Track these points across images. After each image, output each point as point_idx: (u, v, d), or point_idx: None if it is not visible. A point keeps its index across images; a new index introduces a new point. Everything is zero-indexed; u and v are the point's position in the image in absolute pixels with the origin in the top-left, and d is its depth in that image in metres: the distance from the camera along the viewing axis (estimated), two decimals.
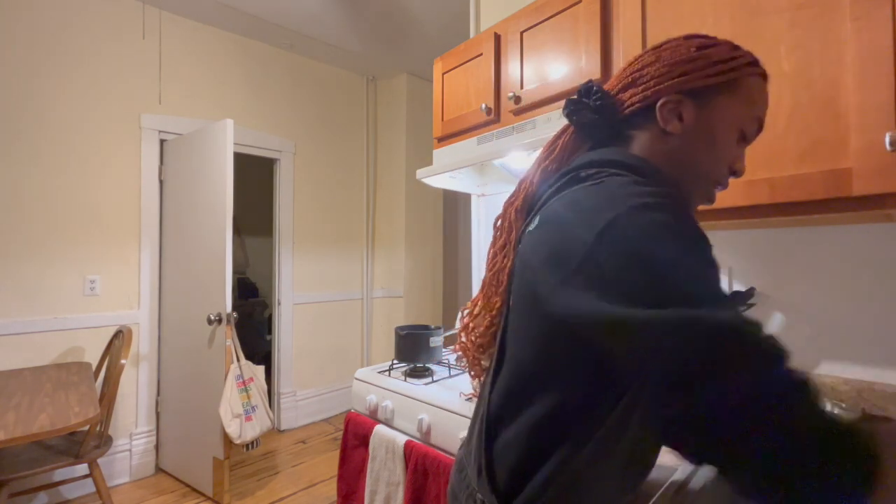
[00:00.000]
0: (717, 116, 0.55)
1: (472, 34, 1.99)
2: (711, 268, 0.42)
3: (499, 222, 0.66)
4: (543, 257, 0.50)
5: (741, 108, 0.55)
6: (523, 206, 0.62)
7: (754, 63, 0.56)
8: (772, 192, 0.89)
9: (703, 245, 0.43)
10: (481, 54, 1.52)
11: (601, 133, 0.61)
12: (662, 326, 0.37)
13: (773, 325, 1.21)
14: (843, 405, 1.00)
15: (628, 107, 0.58)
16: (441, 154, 1.64)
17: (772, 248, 1.21)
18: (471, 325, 0.68)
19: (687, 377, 0.36)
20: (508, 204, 0.64)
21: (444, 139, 1.68)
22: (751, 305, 1.17)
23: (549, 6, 1.33)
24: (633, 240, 0.42)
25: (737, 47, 0.57)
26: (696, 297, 0.39)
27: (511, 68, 1.43)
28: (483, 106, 1.46)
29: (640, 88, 0.57)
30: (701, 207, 0.99)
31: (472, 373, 0.73)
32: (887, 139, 0.75)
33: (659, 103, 0.56)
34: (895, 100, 0.75)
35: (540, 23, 1.35)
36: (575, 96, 0.61)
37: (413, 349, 1.53)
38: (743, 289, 1.22)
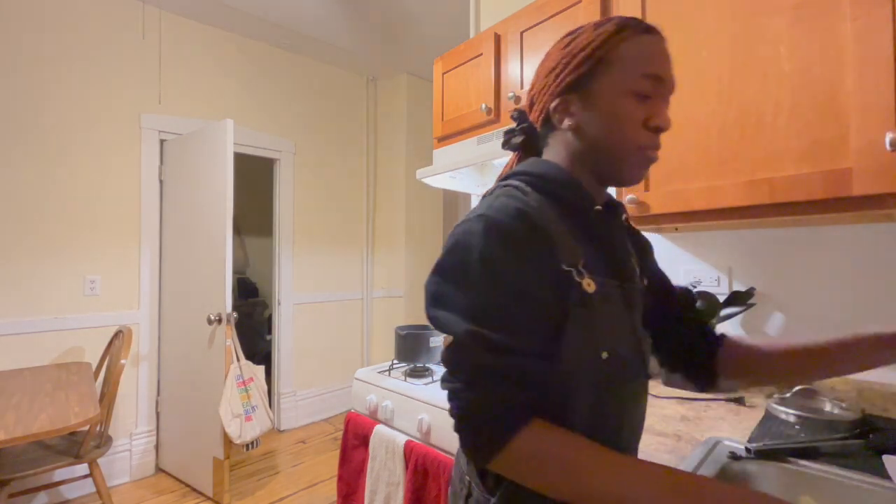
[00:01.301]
0: (600, 96, 0.58)
1: (472, 34, 1.99)
2: (482, 285, 0.52)
3: None
4: None
5: (620, 76, 0.57)
6: None
7: (622, 28, 0.58)
8: (772, 192, 0.89)
9: (491, 266, 0.52)
10: (481, 54, 1.52)
11: (532, 150, 0.69)
12: (438, 324, 0.54)
13: (774, 325, 1.21)
14: (844, 405, 1.00)
15: (537, 122, 0.65)
16: (441, 154, 1.64)
17: (772, 248, 1.21)
18: None
19: (444, 353, 0.54)
20: None
21: (445, 139, 1.68)
22: (751, 305, 1.17)
23: (549, 6, 1.33)
24: (449, 249, 0.55)
25: (599, 25, 0.59)
26: (457, 307, 0.52)
27: (511, 68, 1.43)
28: (483, 106, 1.46)
29: (536, 104, 0.64)
30: (701, 208, 0.99)
31: None
32: (887, 139, 0.75)
33: (550, 110, 0.62)
34: (895, 100, 0.75)
35: (540, 23, 1.35)
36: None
37: (413, 349, 1.53)
38: (743, 289, 1.22)
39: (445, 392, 0.53)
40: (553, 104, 0.61)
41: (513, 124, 0.71)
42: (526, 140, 0.68)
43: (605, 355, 0.55)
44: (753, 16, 0.93)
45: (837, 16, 0.82)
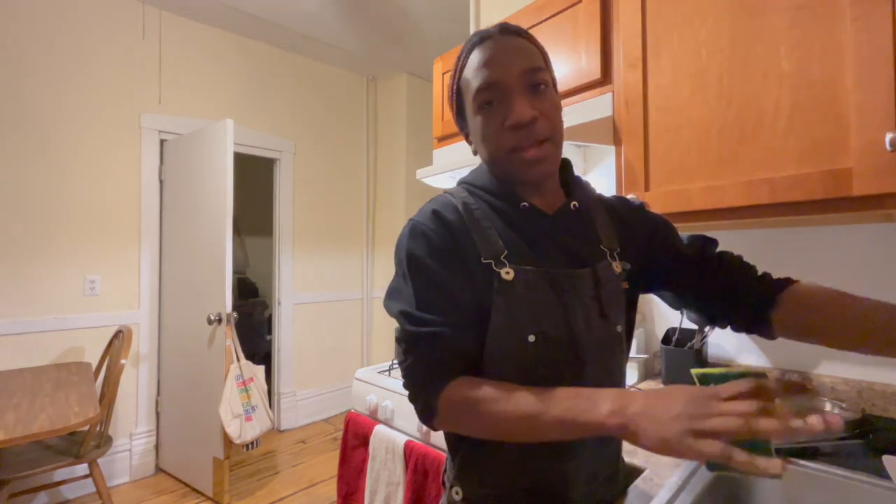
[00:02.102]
0: (468, 120, 0.68)
1: (471, 34, 1.99)
2: (409, 277, 0.61)
3: None
4: None
5: (469, 97, 0.65)
6: None
7: (464, 53, 0.66)
8: (772, 192, 0.89)
9: (413, 262, 0.61)
10: None
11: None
12: (387, 311, 0.64)
13: None
14: (843, 405, 1.00)
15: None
16: (441, 154, 1.64)
17: (772, 248, 1.21)
18: None
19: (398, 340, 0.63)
20: None
21: (445, 139, 1.68)
22: None
23: (549, 6, 1.33)
24: (395, 248, 0.66)
25: (461, 53, 0.67)
26: (397, 296, 0.63)
27: None
28: None
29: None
30: (701, 208, 0.99)
31: None
32: (887, 139, 0.75)
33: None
34: (895, 100, 0.75)
35: (540, 23, 1.35)
36: None
37: None
38: None
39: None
40: (463, 133, 0.73)
41: None
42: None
43: (531, 338, 0.59)
44: (753, 16, 0.93)
45: (837, 16, 0.82)
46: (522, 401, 0.53)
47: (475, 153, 0.71)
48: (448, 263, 0.61)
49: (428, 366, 0.59)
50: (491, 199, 0.67)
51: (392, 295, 0.64)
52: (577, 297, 0.63)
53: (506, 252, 0.62)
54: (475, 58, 0.63)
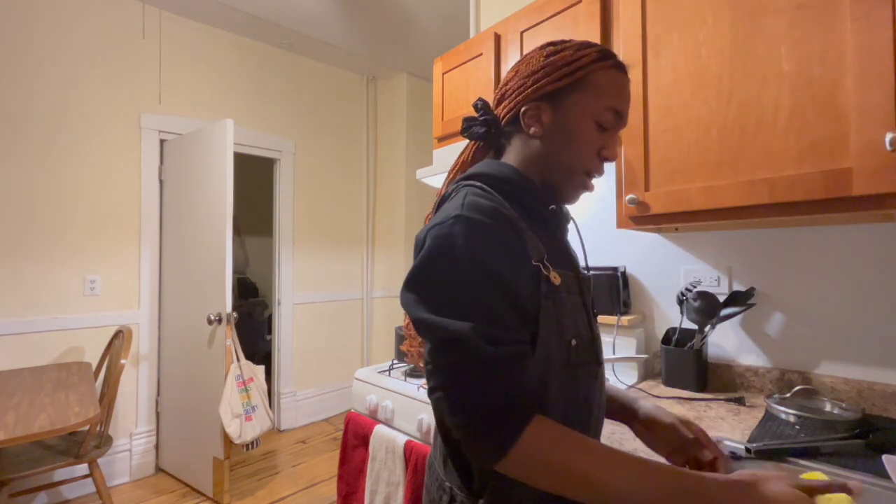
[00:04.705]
0: (570, 113, 0.61)
1: (472, 34, 1.99)
2: (476, 278, 0.52)
3: None
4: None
5: (592, 101, 0.61)
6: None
7: (603, 58, 0.61)
8: (772, 192, 0.89)
9: (480, 264, 0.52)
10: (481, 54, 1.52)
11: (492, 142, 0.70)
12: (427, 326, 0.53)
13: (774, 325, 1.21)
14: (843, 405, 1.00)
15: (503, 118, 0.67)
16: (441, 154, 1.64)
17: (772, 248, 1.21)
18: (411, 332, 0.73)
19: (431, 357, 0.54)
20: (427, 217, 0.73)
21: (445, 139, 1.68)
22: (751, 305, 1.17)
23: (549, 6, 1.33)
24: (430, 252, 0.54)
25: (584, 47, 0.62)
26: (448, 308, 0.52)
27: None
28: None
29: (507, 101, 0.66)
30: (701, 208, 0.99)
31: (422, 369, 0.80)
32: (887, 139, 0.75)
33: (521, 112, 0.64)
34: (895, 100, 0.75)
35: (540, 23, 1.35)
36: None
37: None
38: (743, 289, 1.22)
39: (437, 398, 0.52)
40: (525, 107, 0.63)
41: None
42: (486, 132, 0.68)
43: (573, 342, 0.58)
44: (753, 16, 0.93)
45: (837, 16, 0.82)
46: (619, 477, 0.47)
47: (533, 136, 0.63)
48: (517, 265, 0.55)
49: (507, 393, 0.50)
50: (521, 197, 0.62)
51: (434, 306, 0.53)
52: (587, 300, 0.66)
53: (546, 255, 0.59)
54: (618, 79, 0.62)
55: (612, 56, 0.62)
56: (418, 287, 0.55)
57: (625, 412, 0.74)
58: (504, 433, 0.48)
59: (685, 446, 0.66)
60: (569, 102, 0.61)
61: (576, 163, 0.62)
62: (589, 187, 0.65)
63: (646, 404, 0.73)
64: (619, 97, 0.62)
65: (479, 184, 0.61)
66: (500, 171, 0.63)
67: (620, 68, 0.63)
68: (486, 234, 0.53)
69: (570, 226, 0.74)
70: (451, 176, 0.72)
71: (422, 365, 0.76)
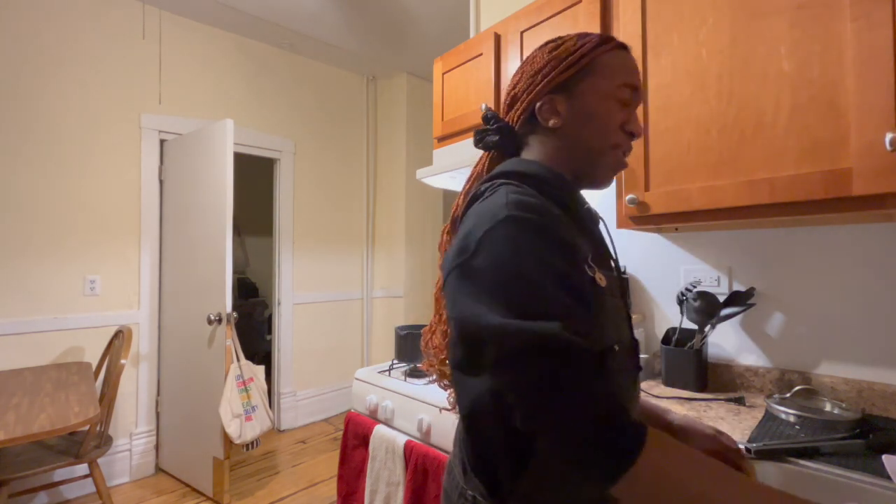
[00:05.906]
0: (586, 98, 0.62)
1: (472, 34, 1.99)
2: (546, 278, 0.47)
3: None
4: (446, 271, 0.55)
5: (605, 82, 0.62)
6: (452, 229, 0.71)
7: (605, 42, 0.63)
8: (772, 192, 0.89)
9: (550, 264, 0.48)
10: (481, 54, 1.52)
11: (509, 148, 0.69)
12: (497, 332, 0.46)
13: (774, 325, 1.21)
14: (843, 405, 1.00)
15: (517, 121, 0.67)
16: (441, 154, 1.64)
17: (772, 248, 1.21)
18: (430, 339, 0.73)
19: (505, 371, 0.46)
20: (444, 229, 0.73)
21: (445, 139, 1.68)
22: (751, 305, 1.17)
23: (549, 6, 1.33)
24: (491, 258, 0.49)
25: (583, 36, 0.64)
26: (528, 311, 0.46)
27: (511, 68, 1.43)
28: (483, 106, 1.46)
29: (519, 103, 0.66)
30: (701, 208, 0.99)
31: (443, 385, 0.77)
32: (887, 139, 0.75)
33: (537, 108, 0.64)
34: (895, 100, 0.75)
35: (540, 23, 1.35)
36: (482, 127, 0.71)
37: (413, 349, 1.53)
38: (743, 289, 1.22)
39: (527, 416, 0.45)
40: (539, 103, 0.64)
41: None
42: (501, 139, 0.68)
43: (617, 347, 0.56)
44: (753, 16, 0.93)
45: (837, 16, 0.82)
46: (743, 495, 0.43)
47: (553, 129, 0.63)
48: (579, 267, 0.52)
49: (614, 396, 0.45)
50: (558, 196, 0.59)
51: (520, 310, 0.46)
52: (628, 303, 0.65)
53: (590, 255, 0.56)
54: (625, 57, 0.63)
55: (613, 38, 0.64)
56: (484, 295, 0.48)
57: (657, 421, 0.73)
58: (626, 441, 0.42)
59: (726, 457, 0.65)
60: (582, 89, 0.62)
61: (601, 141, 0.62)
62: (623, 163, 0.65)
63: (677, 415, 0.72)
64: (630, 73, 0.63)
65: (515, 182, 0.59)
66: (532, 168, 0.61)
67: (624, 48, 0.64)
68: (542, 233, 0.50)
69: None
70: (467, 187, 0.70)
71: (446, 383, 0.76)
